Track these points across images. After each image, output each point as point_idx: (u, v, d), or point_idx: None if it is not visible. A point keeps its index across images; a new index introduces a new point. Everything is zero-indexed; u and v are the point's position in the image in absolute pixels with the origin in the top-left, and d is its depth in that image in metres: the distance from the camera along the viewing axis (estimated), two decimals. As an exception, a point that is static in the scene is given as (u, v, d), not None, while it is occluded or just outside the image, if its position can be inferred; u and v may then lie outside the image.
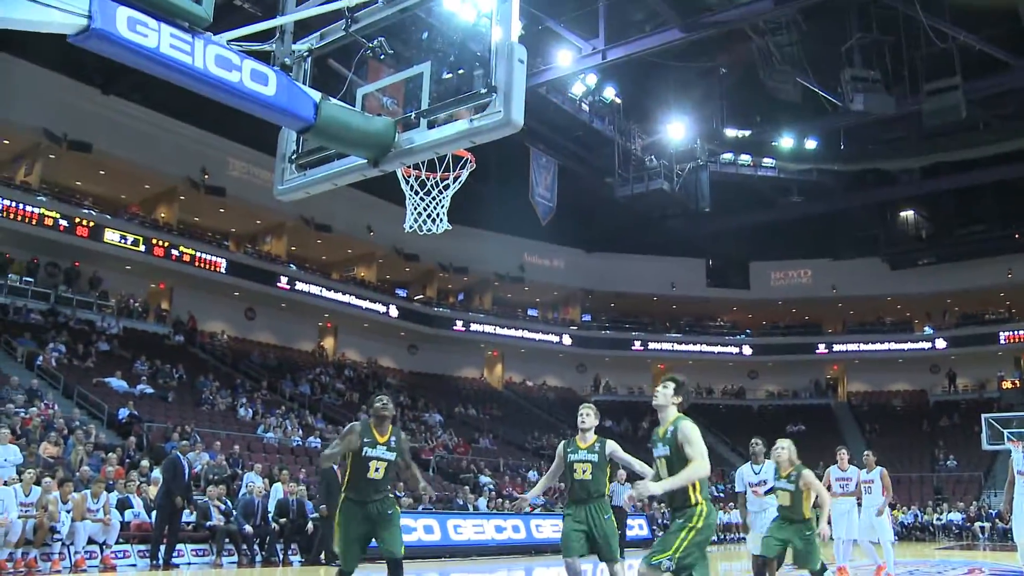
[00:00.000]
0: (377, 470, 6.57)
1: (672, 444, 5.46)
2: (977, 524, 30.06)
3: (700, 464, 5.29)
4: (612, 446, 7.30)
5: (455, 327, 42.59)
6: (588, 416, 7.30)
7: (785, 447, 8.49)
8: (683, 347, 47.88)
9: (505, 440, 35.37)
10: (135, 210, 32.63)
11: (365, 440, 6.62)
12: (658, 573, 5.14)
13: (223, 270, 32.76)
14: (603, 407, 45.31)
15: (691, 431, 5.45)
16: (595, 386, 47.66)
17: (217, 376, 28.09)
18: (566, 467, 7.18)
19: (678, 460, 5.39)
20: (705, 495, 5.40)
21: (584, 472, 7.04)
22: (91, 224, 28.68)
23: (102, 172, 31.47)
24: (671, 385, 5.70)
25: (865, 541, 12.25)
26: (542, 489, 7.75)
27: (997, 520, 29.03)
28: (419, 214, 6.31)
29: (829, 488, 11.70)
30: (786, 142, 34.45)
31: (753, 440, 9.66)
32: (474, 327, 43.24)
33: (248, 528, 15.17)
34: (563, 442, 7.44)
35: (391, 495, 6.75)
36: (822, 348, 47.75)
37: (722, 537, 28.07)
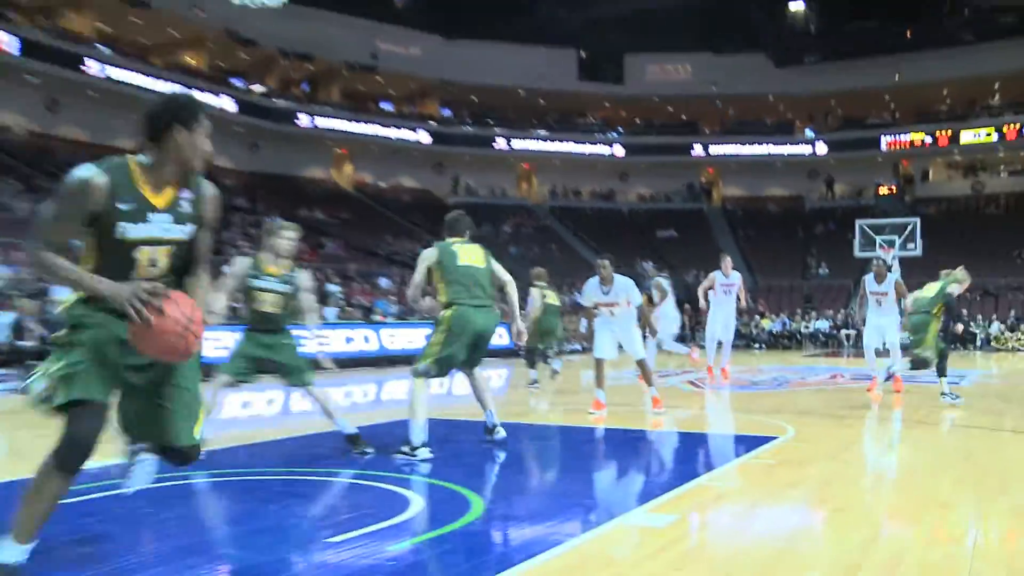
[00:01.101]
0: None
1: None
2: (843, 332, 32.20)
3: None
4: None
5: (298, 122, 41.19)
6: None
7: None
8: (550, 146, 48.09)
9: (355, 246, 35.18)
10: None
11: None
12: (414, 375, 6.92)
13: (15, 51, 30.22)
14: (464, 210, 45.06)
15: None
16: (454, 187, 47.71)
17: (17, 178, 26.41)
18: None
19: None
20: (454, 301, 6.92)
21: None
22: None
23: None
24: None
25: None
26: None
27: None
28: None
29: (713, 293, 13.96)
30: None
31: (600, 262, 10.06)
32: (320, 122, 41.98)
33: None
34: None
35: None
36: (698, 150, 48.68)
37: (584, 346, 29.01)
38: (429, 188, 47.27)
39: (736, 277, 14.00)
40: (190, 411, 3.52)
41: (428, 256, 7.25)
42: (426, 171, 47.43)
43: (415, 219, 41.06)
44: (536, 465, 7.24)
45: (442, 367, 6.96)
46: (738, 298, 13.99)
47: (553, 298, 14.26)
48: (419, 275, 7.08)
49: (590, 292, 10.05)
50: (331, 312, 22.34)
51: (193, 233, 3.45)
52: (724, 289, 13.91)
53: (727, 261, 14.11)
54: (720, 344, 14.06)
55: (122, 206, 3.25)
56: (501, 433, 7.31)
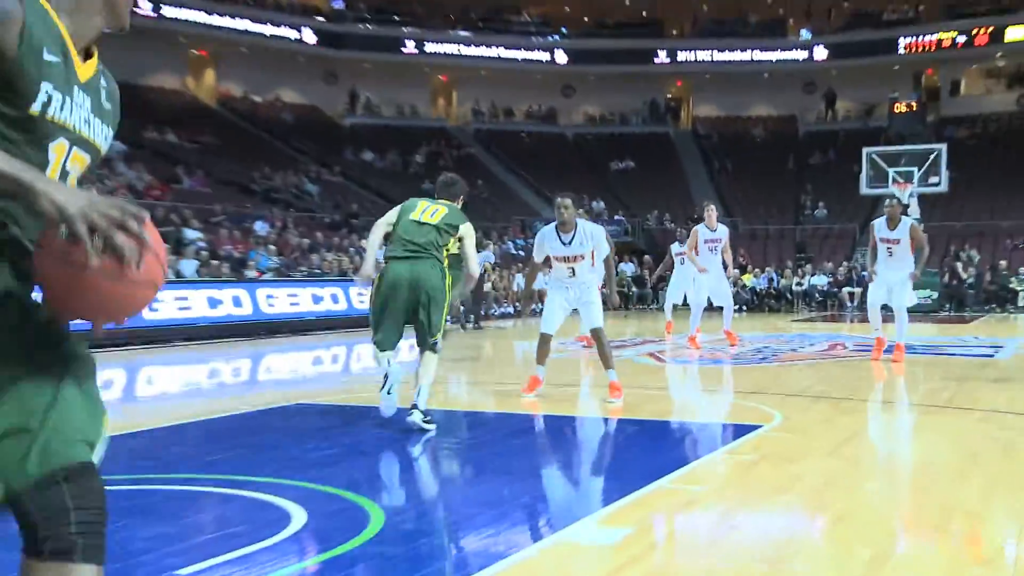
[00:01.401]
0: None
1: None
2: (845, 290, 32.67)
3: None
4: None
5: (140, 10, 40.35)
6: None
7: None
8: (474, 50, 48.56)
9: (221, 179, 34.76)
10: None
11: None
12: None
13: None
14: (364, 133, 43.54)
15: None
16: (351, 104, 47.84)
17: None
18: None
19: None
20: (388, 256, 7.97)
21: None
22: None
23: None
24: None
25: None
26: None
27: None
28: None
29: (696, 252, 14.78)
30: None
31: (560, 202, 9.82)
32: (170, 12, 41.11)
33: None
34: None
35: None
36: (662, 57, 49.57)
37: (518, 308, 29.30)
38: (318, 104, 47.32)
39: (723, 232, 14.82)
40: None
41: (395, 210, 8.37)
42: (314, 82, 47.42)
43: (300, 145, 40.78)
44: (454, 465, 7.25)
45: (379, 330, 7.95)
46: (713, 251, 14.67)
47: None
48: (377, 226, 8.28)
49: (546, 242, 9.89)
50: (189, 266, 22.05)
51: (107, 147, 2.77)
52: (710, 246, 14.64)
53: (711, 211, 14.89)
54: (714, 310, 15.20)
55: (49, 57, 2.47)
56: (423, 423, 7.70)
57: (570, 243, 9.60)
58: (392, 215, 8.27)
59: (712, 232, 14.58)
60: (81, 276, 2.26)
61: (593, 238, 9.70)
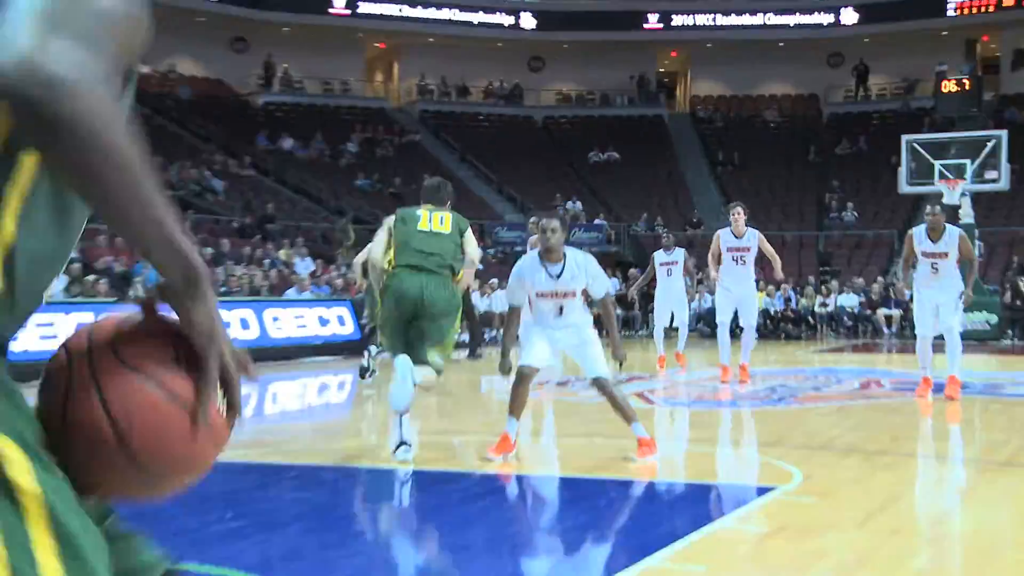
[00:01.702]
0: None
1: None
2: (881, 311, 32.92)
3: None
4: None
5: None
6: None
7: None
8: (420, 11, 49.51)
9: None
10: None
11: None
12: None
13: None
14: (281, 115, 43.37)
15: None
16: (266, 77, 48.50)
17: None
18: None
19: None
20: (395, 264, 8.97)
21: None
22: None
23: None
24: None
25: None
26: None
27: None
28: None
29: (719, 261, 15.14)
30: None
31: (544, 223, 9.57)
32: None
33: None
34: None
35: None
36: (653, 21, 50.70)
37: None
38: (224, 78, 48.02)
39: (753, 238, 15.08)
40: None
41: (388, 221, 9.15)
42: (219, 50, 48.21)
43: (200, 129, 41.21)
44: (392, 536, 7.25)
45: (386, 338, 9.30)
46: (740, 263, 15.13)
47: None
48: (376, 242, 9.11)
49: (526, 277, 9.48)
50: (55, 283, 21.79)
51: None
52: (734, 255, 14.89)
53: (739, 214, 15.20)
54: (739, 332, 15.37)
55: None
56: (402, 450, 8.70)
57: (559, 275, 9.23)
58: (382, 238, 9.06)
59: (738, 239, 14.76)
60: (187, 423, 2.07)
61: (588, 272, 9.39)
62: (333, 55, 48.75)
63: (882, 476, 8.54)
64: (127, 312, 2.09)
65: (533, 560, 6.48)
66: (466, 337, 21.06)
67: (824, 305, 34.01)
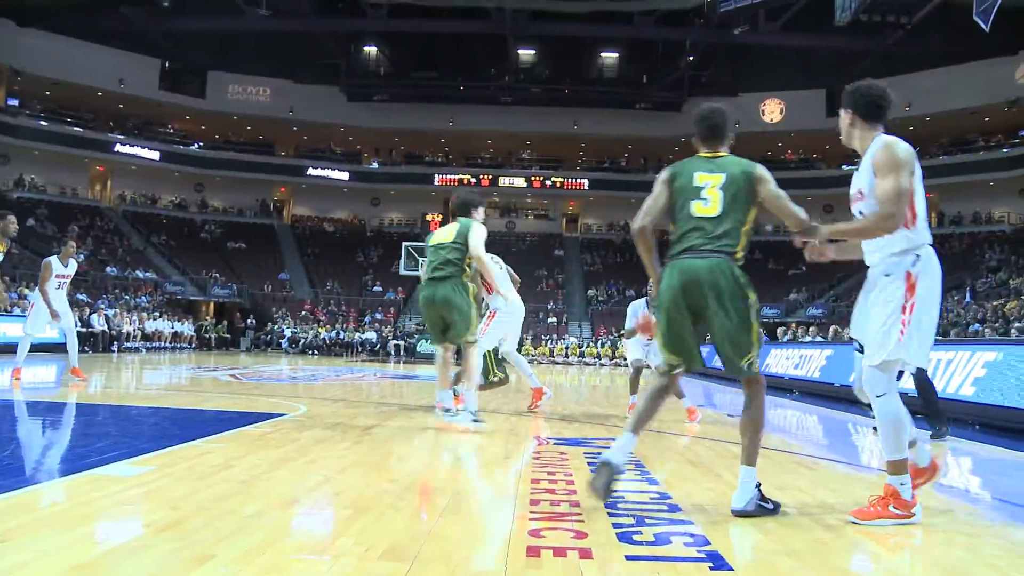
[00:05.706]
0: None
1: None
2: (392, 342, 47.89)
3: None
4: None
5: None
6: None
7: None
8: (128, 149, 66.07)
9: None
10: None
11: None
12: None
13: None
14: (25, 208, 58.71)
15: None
16: (18, 183, 60.96)
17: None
18: None
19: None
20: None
21: None
22: None
23: None
24: None
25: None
26: None
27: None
28: None
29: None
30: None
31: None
32: None
33: None
34: None
35: None
36: (269, 170, 71.59)
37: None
38: None
39: None
40: None
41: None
42: None
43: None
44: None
45: (433, 337, 10.75)
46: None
47: None
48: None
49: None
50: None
51: None
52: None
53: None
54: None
55: None
56: (472, 422, 10.20)
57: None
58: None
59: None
60: None
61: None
62: (70, 170, 64.27)
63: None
64: None
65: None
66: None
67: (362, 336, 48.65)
